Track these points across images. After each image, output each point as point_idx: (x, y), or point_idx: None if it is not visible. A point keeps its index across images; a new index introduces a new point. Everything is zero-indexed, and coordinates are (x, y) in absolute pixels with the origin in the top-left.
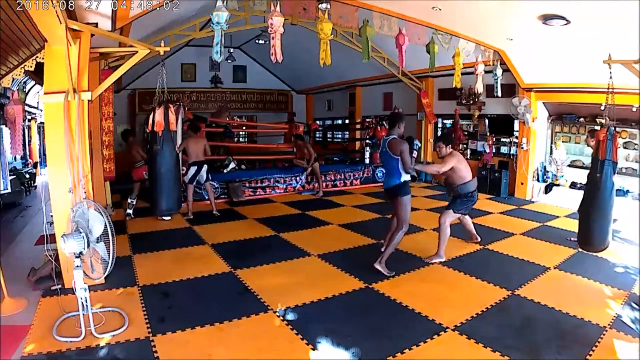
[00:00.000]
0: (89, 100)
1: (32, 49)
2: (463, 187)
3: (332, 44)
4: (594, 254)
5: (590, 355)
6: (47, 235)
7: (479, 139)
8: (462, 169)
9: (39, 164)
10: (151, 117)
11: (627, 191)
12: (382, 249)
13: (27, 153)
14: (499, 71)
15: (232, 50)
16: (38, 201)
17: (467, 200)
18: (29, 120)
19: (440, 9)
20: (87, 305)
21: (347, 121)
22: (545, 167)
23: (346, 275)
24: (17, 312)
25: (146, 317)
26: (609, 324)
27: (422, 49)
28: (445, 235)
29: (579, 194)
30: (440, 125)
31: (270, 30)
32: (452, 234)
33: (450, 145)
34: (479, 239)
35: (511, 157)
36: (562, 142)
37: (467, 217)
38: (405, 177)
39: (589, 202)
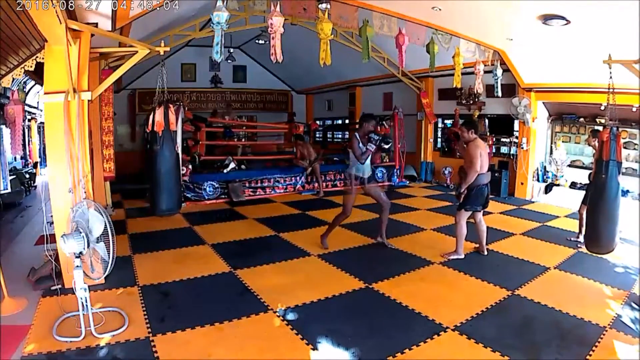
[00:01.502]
0: (89, 100)
1: (32, 49)
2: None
3: (332, 44)
4: (595, 254)
5: (590, 355)
6: (47, 235)
7: None
8: (480, 158)
9: (39, 164)
10: (151, 117)
11: (627, 191)
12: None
13: (27, 153)
14: (499, 71)
15: (232, 50)
16: (38, 201)
17: (477, 194)
18: (29, 120)
19: (440, 9)
20: (87, 305)
21: (347, 121)
22: (545, 167)
23: (346, 275)
24: (17, 312)
25: (146, 317)
26: (609, 324)
27: (422, 49)
28: (461, 233)
29: (579, 194)
30: (440, 125)
31: (270, 30)
32: (451, 235)
33: (473, 131)
34: (486, 253)
35: (511, 157)
36: (562, 142)
37: (483, 226)
38: (352, 170)
39: (595, 203)
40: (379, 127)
